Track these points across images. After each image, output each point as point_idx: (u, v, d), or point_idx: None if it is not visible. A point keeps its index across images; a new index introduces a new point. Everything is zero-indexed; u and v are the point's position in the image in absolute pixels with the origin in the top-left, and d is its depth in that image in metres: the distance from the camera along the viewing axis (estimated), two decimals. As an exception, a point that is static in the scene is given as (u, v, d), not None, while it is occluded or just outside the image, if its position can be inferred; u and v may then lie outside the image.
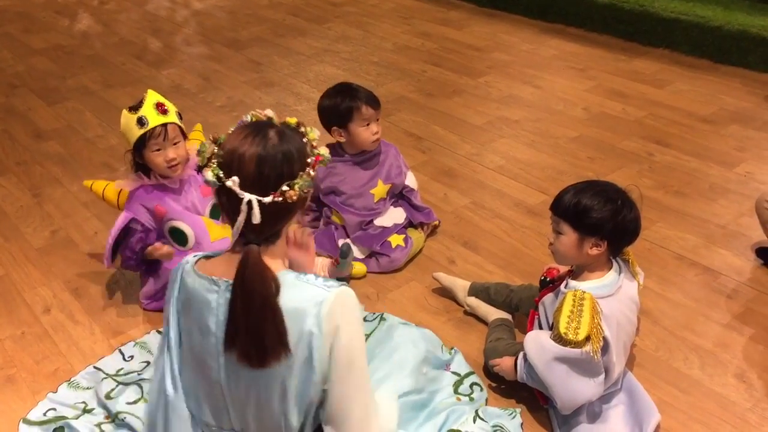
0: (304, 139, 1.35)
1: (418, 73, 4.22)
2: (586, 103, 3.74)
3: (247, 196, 1.27)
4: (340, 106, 2.43)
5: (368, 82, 4.04)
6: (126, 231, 2.24)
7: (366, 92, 2.46)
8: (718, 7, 4.34)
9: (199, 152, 1.34)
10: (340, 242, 2.47)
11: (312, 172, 1.33)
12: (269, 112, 1.38)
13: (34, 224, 2.83)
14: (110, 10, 5.58)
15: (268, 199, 1.28)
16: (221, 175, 1.29)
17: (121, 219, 2.24)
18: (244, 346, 1.30)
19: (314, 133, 1.38)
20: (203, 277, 1.38)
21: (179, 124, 2.20)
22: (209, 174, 1.30)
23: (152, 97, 2.17)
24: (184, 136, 2.23)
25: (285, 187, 1.28)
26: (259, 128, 1.33)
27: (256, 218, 1.27)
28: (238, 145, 1.30)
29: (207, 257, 1.44)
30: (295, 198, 1.30)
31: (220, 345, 1.36)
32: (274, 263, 1.36)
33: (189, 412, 1.48)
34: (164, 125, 2.14)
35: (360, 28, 5.02)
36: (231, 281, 1.32)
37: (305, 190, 1.32)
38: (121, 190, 2.33)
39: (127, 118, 2.16)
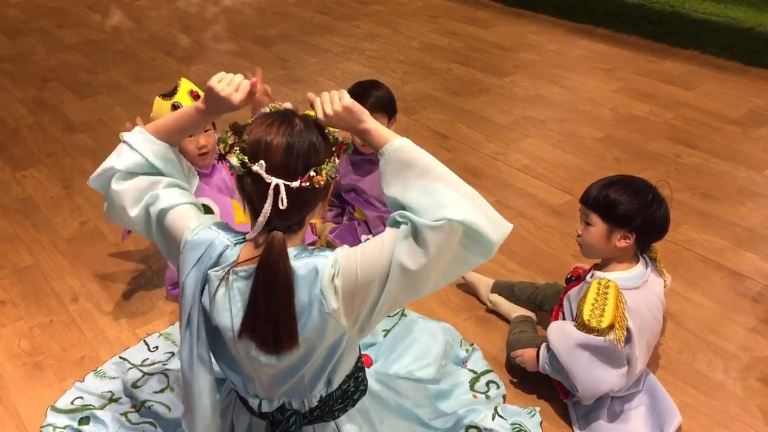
0: (326, 130, 1.34)
1: (445, 71, 4.22)
2: (613, 104, 3.72)
3: (274, 180, 1.25)
4: None
5: (394, 80, 4.05)
6: None
7: (374, 97, 2.40)
8: (749, 9, 4.28)
9: (220, 140, 1.31)
10: (363, 238, 2.49)
11: (337, 160, 1.31)
12: (288, 105, 1.36)
13: (63, 215, 2.88)
14: (141, 7, 5.66)
15: (295, 184, 1.25)
16: (246, 161, 1.26)
17: None
18: (263, 333, 1.29)
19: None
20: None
21: None
22: (234, 159, 1.27)
23: (186, 84, 2.21)
24: (213, 125, 2.27)
25: (312, 173, 1.26)
26: (284, 117, 1.30)
27: (284, 203, 1.24)
28: (264, 133, 1.27)
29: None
30: (322, 183, 1.27)
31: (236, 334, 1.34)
32: (292, 245, 1.33)
33: (212, 386, 1.45)
34: None
35: (387, 26, 5.03)
36: (250, 269, 1.30)
37: (332, 176, 1.29)
38: None
39: (161, 104, 2.20)
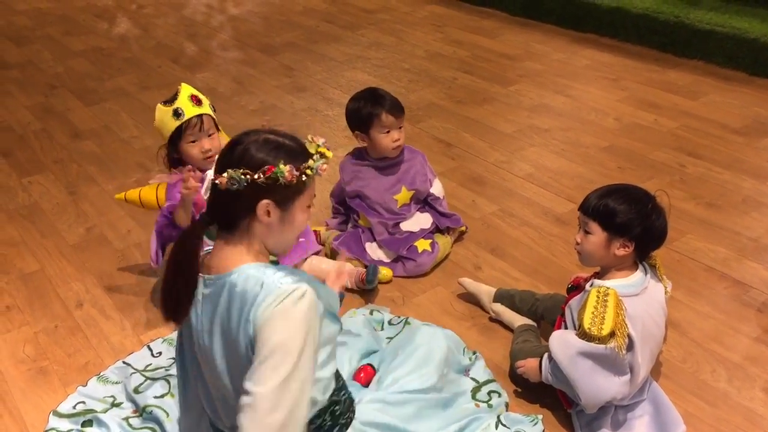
0: (311, 160, 1.38)
1: (449, 80, 4.23)
2: (617, 113, 3.72)
3: (210, 171, 1.43)
4: (362, 111, 2.44)
5: (399, 88, 4.06)
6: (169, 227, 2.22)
7: (391, 99, 2.45)
8: (754, 20, 4.29)
9: None
10: (367, 245, 2.50)
11: (257, 177, 1.33)
12: (319, 140, 1.43)
13: (69, 221, 2.90)
14: (148, 14, 5.69)
15: (212, 176, 1.39)
16: None
17: (163, 211, 2.22)
18: (161, 297, 1.41)
19: (319, 162, 1.39)
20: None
21: (213, 115, 2.24)
22: None
23: (186, 90, 2.20)
24: (218, 128, 2.27)
25: (224, 174, 1.35)
26: (269, 131, 1.42)
27: (204, 192, 1.43)
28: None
29: None
30: (223, 183, 1.34)
31: (200, 339, 1.42)
32: (236, 252, 1.39)
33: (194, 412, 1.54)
34: (200, 116, 2.18)
35: (393, 35, 5.05)
36: (210, 276, 1.40)
37: (235, 181, 1.33)
38: (158, 185, 2.33)
39: (162, 111, 2.19)
